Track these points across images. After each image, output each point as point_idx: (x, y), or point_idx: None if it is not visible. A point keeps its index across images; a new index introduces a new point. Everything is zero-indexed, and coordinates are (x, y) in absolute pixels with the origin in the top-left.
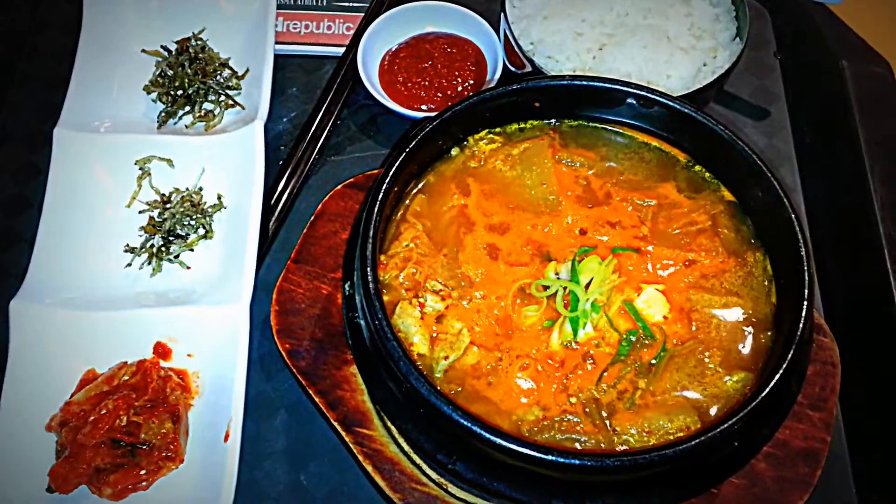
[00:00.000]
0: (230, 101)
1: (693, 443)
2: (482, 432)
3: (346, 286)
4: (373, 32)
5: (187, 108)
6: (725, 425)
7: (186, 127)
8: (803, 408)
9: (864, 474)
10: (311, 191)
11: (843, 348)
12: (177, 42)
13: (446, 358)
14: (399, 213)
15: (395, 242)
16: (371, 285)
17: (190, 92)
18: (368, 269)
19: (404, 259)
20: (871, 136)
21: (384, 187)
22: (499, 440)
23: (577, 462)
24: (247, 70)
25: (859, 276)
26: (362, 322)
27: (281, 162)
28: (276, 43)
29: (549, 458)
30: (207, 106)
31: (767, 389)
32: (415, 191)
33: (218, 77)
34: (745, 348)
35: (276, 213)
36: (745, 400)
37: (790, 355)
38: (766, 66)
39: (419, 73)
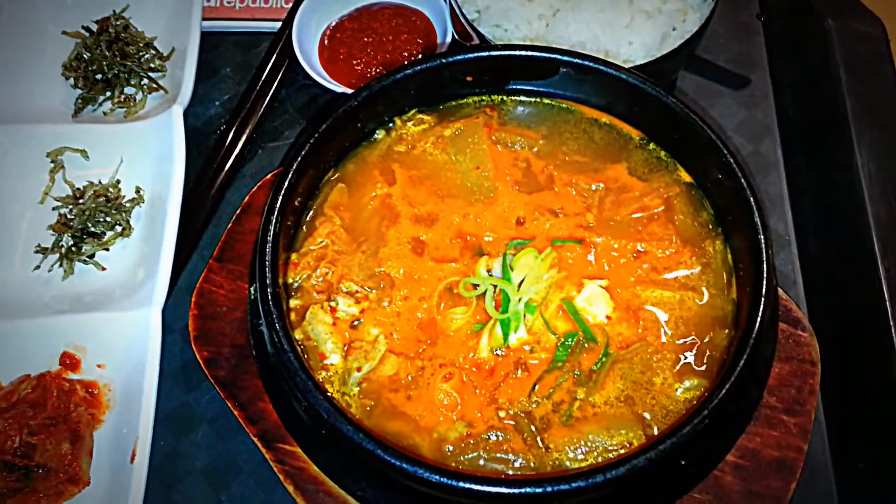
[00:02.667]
0: (153, 85)
1: (625, 468)
2: (385, 456)
3: (252, 289)
4: (310, 5)
5: (108, 94)
6: (665, 445)
7: (105, 114)
8: (777, 412)
9: (850, 488)
10: (244, 181)
11: (826, 344)
12: (97, 21)
13: (359, 369)
14: (315, 206)
15: (310, 239)
16: (269, 289)
17: (109, 76)
18: (267, 269)
19: (318, 258)
20: (860, 104)
21: (289, 178)
22: (404, 465)
23: (493, 489)
24: (172, 50)
25: (846, 263)
26: (264, 330)
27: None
28: (209, 19)
29: (461, 485)
30: (129, 90)
31: (716, 400)
32: (333, 179)
33: (140, 58)
34: (701, 351)
35: (204, 207)
36: (690, 413)
37: (744, 358)
38: (747, 29)
39: (362, 48)
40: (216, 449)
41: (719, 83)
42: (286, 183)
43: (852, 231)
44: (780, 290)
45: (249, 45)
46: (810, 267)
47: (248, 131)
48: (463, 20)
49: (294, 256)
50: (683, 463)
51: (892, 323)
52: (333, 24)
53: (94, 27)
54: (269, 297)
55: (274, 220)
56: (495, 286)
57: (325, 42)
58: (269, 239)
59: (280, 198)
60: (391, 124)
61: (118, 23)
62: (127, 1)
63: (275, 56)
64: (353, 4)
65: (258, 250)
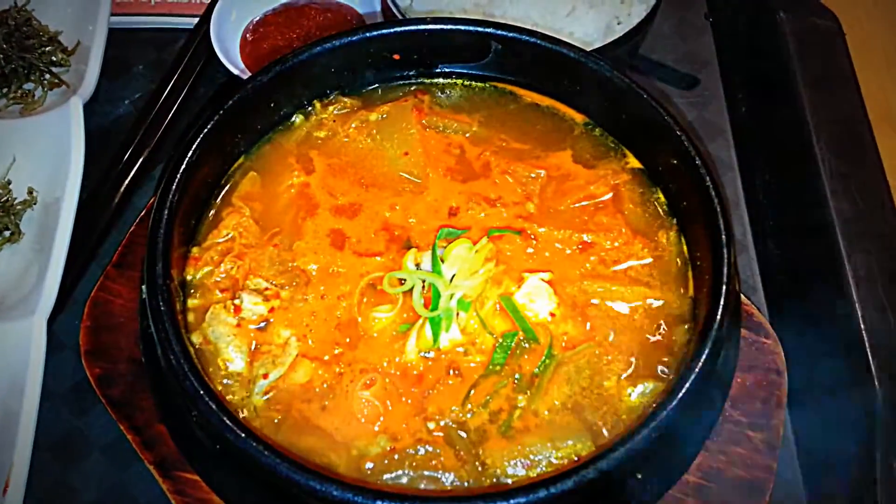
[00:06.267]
0: (55, 80)
1: (573, 480)
2: (288, 473)
3: (144, 288)
4: None
5: (4, 90)
6: (619, 452)
7: None
8: (742, 427)
9: None
10: (154, 183)
11: (790, 354)
12: None
13: (266, 376)
14: (222, 195)
15: (214, 231)
16: (158, 280)
17: (6, 70)
18: (157, 260)
19: (222, 252)
20: (817, 98)
21: (187, 159)
22: (311, 483)
23: None
24: (77, 43)
25: (809, 266)
26: (153, 332)
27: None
28: (122, 14)
29: None
30: (28, 86)
31: (675, 401)
32: (244, 167)
33: (41, 52)
34: (656, 351)
35: (107, 210)
36: (647, 416)
37: (706, 352)
38: (695, 28)
39: (289, 44)
40: (109, 480)
41: (668, 83)
42: (183, 165)
43: (814, 231)
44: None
45: (165, 42)
46: (770, 271)
47: (160, 131)
48: (393, 8)
49: (195, 251)
50: (640, 476)
51: (862, 326)
52: (257, 19)
53: None
54: (158, 290)
55: (167, 206)
56: (424, 281)
57: (248, 37)
58: (161, 226)
59: (175, 180)
60: (310, 108)
61: (19, 15)
62: None
63: (191, 51)
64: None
65: (147, 243)
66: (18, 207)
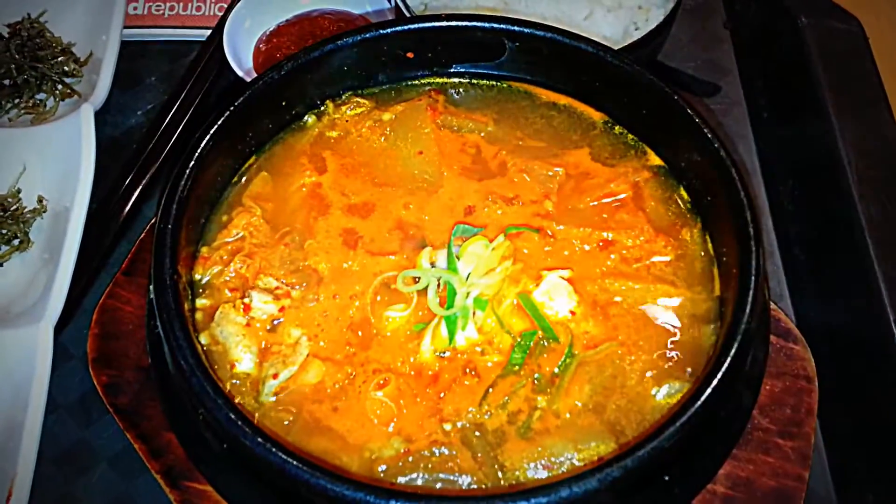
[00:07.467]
0: (67, 90)
1: (596, 479)
2: (297, 472)
3: (151, 287)
4: (243, 9)
5: (16, 100)
6: (645, 450)
7: (10, 120)
8: (771, 435)
9: None
10: None
11: (820, 361)
12: (8, 25)
13: (276, 376)
14: (232, 195)
15: (224, 231)
16: (165, 276)
17: (19, 80)
18: (166, 259)
19: (232, 251)
20: (841, 101)
21: (196, 155)
22: (321, 482)
23: None
24: (90, 54)
25: (837, 272)
26: (160, 332)
27: None
28: (136, 27)
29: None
30: (41, 96)
31: (704, 397)
32: (255, 167)
33: (54, 62)
34: (681, 350)
35: (117, 220)
36: (674, 413)
37: (732, 351)
38: (714, 37)
39: None
40: (115, 492)
41: (688, 91)
42: (192, 160)
43: (843, 236)
44: None
45: (178, 54)
46: (797, 278)
47: (170, 142)
48: (406, 13)
49: (204, 250)
50: (667, 479)
51: (894, 332)
52: (270, 29)
53: (6, 32)
54: (165, 287)
55: (176, 201)
56: (440, 279)
57: (261, 47)
58: (170, 221)
59: (185, 175)
60: (323, 108)
61: (32, 27)
62: (45, 6)
63: (203, 62)
64: (291, 11)
65: (154, 241)
66: (28, 216)
